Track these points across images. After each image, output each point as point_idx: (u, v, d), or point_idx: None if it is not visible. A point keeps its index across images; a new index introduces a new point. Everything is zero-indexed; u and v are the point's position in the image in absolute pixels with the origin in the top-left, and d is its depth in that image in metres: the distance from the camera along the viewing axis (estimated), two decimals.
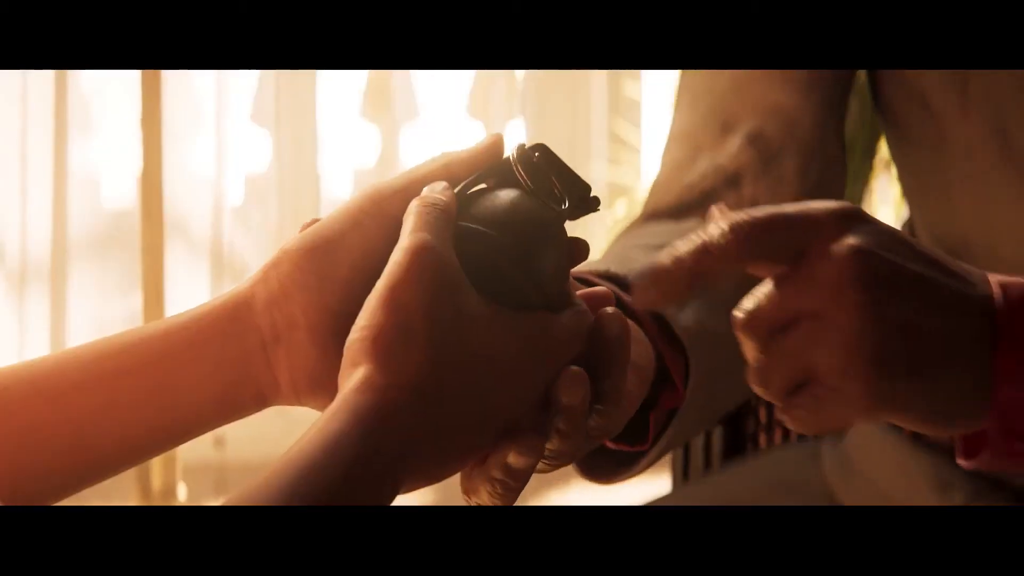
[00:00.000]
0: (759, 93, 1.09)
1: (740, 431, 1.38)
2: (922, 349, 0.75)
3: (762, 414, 1.37)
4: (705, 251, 0.75)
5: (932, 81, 1.08)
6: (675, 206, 1.03)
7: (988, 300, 0.76)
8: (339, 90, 2.77)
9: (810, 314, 0.75)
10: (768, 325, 0.75)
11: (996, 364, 0.75)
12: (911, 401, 0.75)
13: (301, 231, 0.80)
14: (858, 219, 0.76)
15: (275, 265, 0.78)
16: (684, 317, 0.92)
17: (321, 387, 0.77)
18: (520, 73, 2.77)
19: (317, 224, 0.79)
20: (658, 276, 0.76)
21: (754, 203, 1.03)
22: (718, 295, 0.89)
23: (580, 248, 0.82)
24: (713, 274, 0.76)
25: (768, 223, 0.75)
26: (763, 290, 0.76)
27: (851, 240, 0.75)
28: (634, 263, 0.91)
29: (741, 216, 0.75)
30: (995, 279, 0.77)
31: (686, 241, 0.76)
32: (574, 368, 0.76)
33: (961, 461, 0.80)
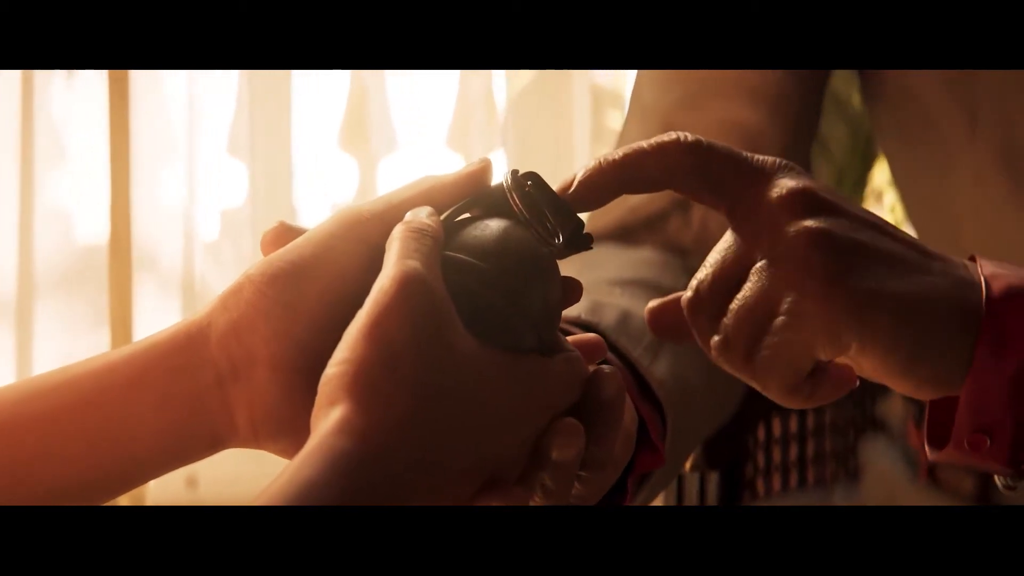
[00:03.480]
0: (719, 109, 1.03)
1: (737, 477, 1.32)
2: (893, 278, 0.71)
3: (760, 459, 1.31)
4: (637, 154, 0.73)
5: (939, 102, 1.03)
6: (616, 229, 0.97)
7: (966, 270, 0.72)
8: (315, 122, 2.72)
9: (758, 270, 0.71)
10: (716, 293, 0.72)
11: (977, 344, 0.71)
12: (878, 325, 0.70)
13: (263, 243, 0.73)
14: (811, 193, 0.72)
15: (236, 292, 0.70)
16: (659, 368, 0.88)
17: (284, 429, 0.69)
18: (501, 103, 2.73)
19: (284, 248, 0.71)
20: (590, 177, 0.73)
21: (703, 230, 0.99)
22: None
23: (572, 288, 0.75)
24: (640, 182, 0.73)
25: (700, 147, 0.73)
26: (701, 274, 0.73)
27: (808, 222, 0.71)
28: (605, 309, 0.87)
29: (673, 134, 0.73)
30: (980, 264, 0.73)
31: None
32: (569, 420, 0.69)
33: (929, 451, 0.75)
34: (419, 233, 0.69)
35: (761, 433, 1.32)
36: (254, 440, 0.70)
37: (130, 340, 2.03)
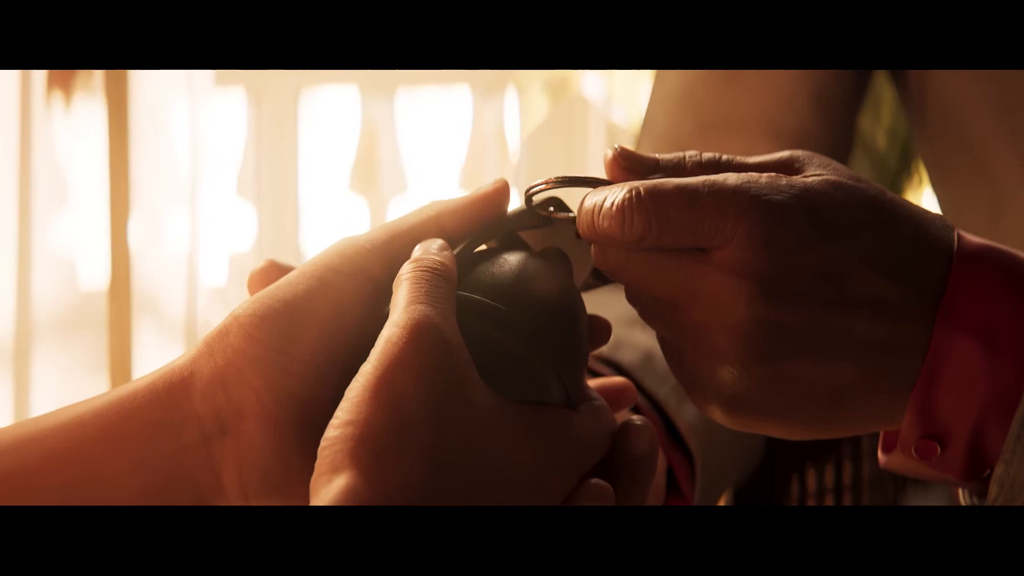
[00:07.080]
0: (737, 144, 0.98)
1: None
2: (809, 399, 0.63)
3: None
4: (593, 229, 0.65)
5: (991, 143, 0.96)
6: None
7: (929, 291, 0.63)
8: (324, 163, 2.69)
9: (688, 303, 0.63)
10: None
11: (935, 336, 0.62)
12: (796, 426, 0.64)
13: (250, 283, 0.64)
14: (770, 215, 0.62)
15: (222, 335, 0.62)
16: (687, 411, 0.82)
17: (277, 492, 0.61)
18: (514, 142, 2.70)
19: (275, 285, 0.63)
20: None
21: None
22: None
23: (601, 329, 0.68)
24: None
25: (665, 197, 0.64)
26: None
27: (754, 304, 0.62)
28: (627, 347, 0.82)
29: (639, 186, 0.65)
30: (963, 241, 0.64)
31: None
32: (598, 483, 0.61)
33: (880, 455, 0.66)
34: (431, 273, 0.61)
35: (795, 487, 1.26)
36: (244, 504, 0.63)
37: None
